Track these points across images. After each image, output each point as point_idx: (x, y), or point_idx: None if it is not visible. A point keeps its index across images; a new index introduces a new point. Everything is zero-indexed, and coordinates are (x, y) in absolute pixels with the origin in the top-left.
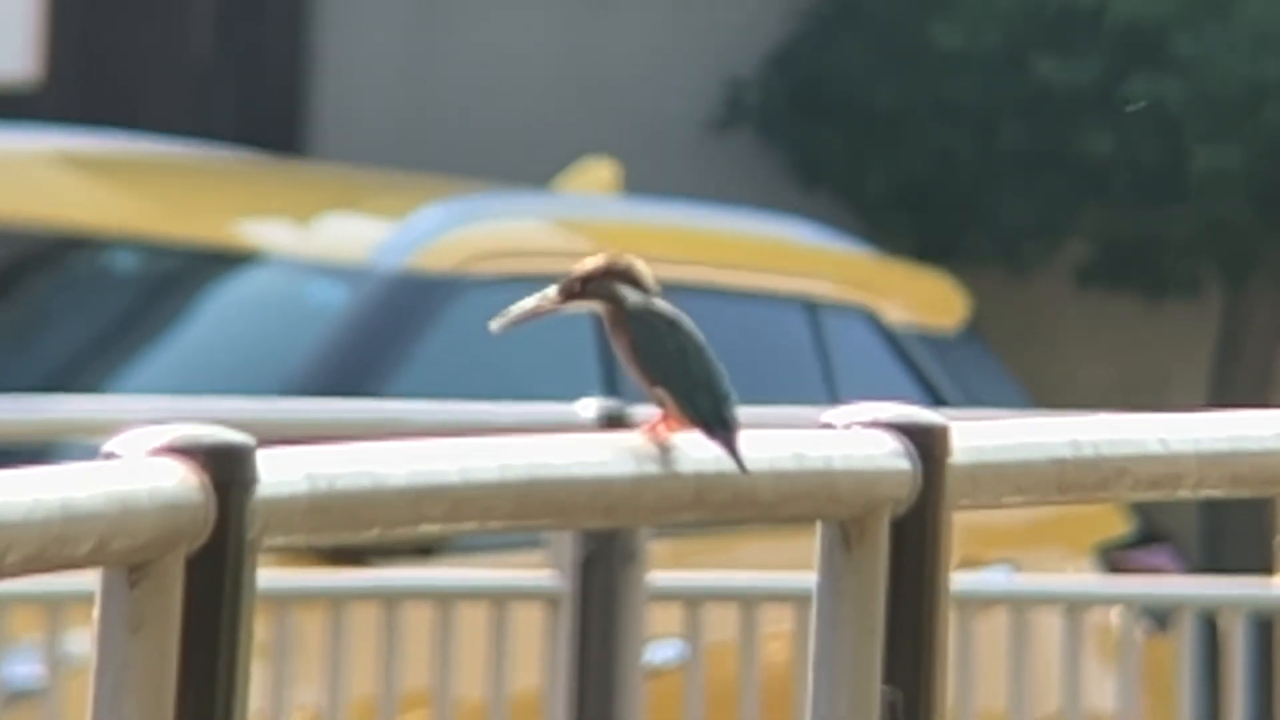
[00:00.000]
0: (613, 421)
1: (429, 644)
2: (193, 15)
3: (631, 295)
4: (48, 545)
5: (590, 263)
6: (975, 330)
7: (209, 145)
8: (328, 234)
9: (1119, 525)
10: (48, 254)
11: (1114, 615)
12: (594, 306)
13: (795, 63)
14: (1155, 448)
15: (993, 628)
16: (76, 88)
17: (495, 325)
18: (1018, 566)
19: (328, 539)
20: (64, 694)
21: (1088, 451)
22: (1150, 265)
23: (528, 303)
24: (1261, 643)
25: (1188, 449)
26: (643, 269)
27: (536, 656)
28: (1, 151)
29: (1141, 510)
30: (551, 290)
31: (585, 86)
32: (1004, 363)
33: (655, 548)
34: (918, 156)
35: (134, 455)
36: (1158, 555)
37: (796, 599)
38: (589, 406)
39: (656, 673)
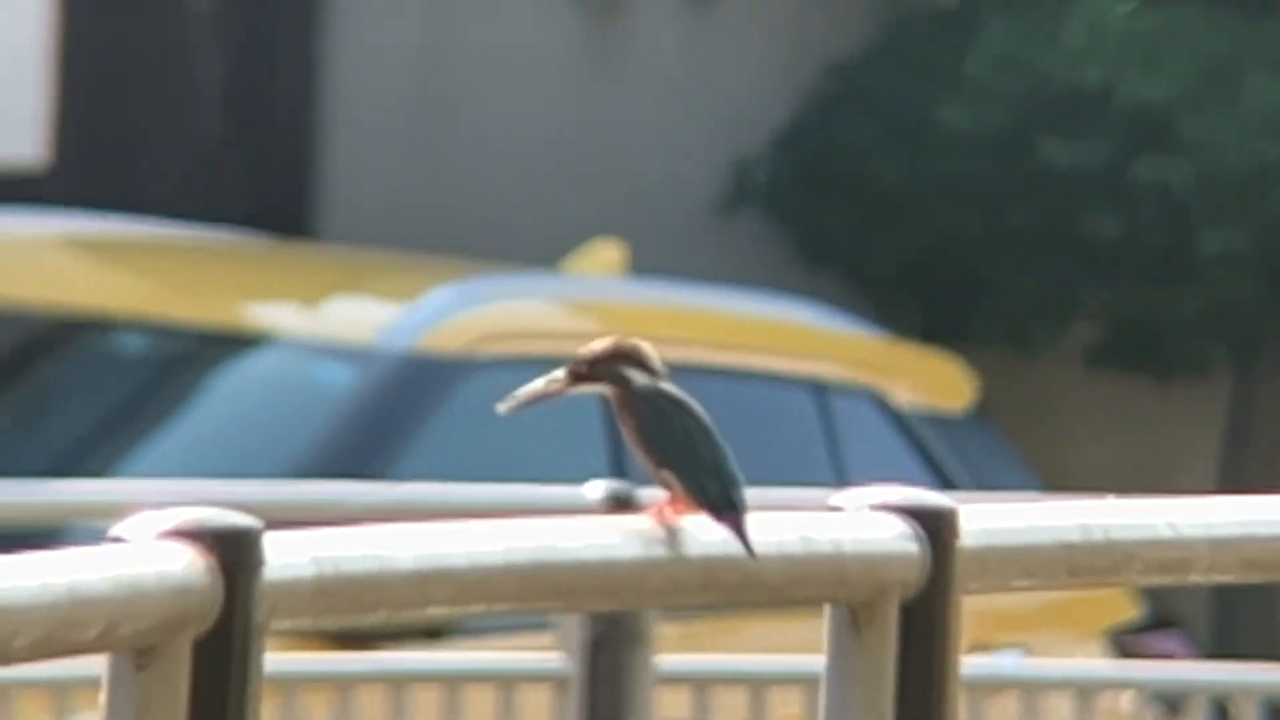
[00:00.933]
0: (620, 504)
1: None
2: (200, 98)
3: (639, 378)
4: (55, 630)
5: (597, 345)
6: (983, 411)
7: (217, 227)
8: (335, 315)
9: (1130, 610)
10: (56, 336)
11: (1125, 701)
12: (601, 389)
13: (802, 142)
14: (1165, 532)
15: (1003, 712)
16: (84, 171)
17: (503, 407)
18: (1028, 651)
19: (335, 622)
20: None
21: (1097, 536)
22: (1158, 346)
23: (535, 385)
24: None
25: (1198, 533)
26: (650, 352)
27: None
28: (9, 235)
29: (1152, 595)
30: (559, 372)
31: (592, 166)
32: (1012, 444)
33: (663, 630)
34: (924, 236)
35: (142, 539)
36: (1169, 640)
37: (805, 682)
38: (596, 488)
39: None
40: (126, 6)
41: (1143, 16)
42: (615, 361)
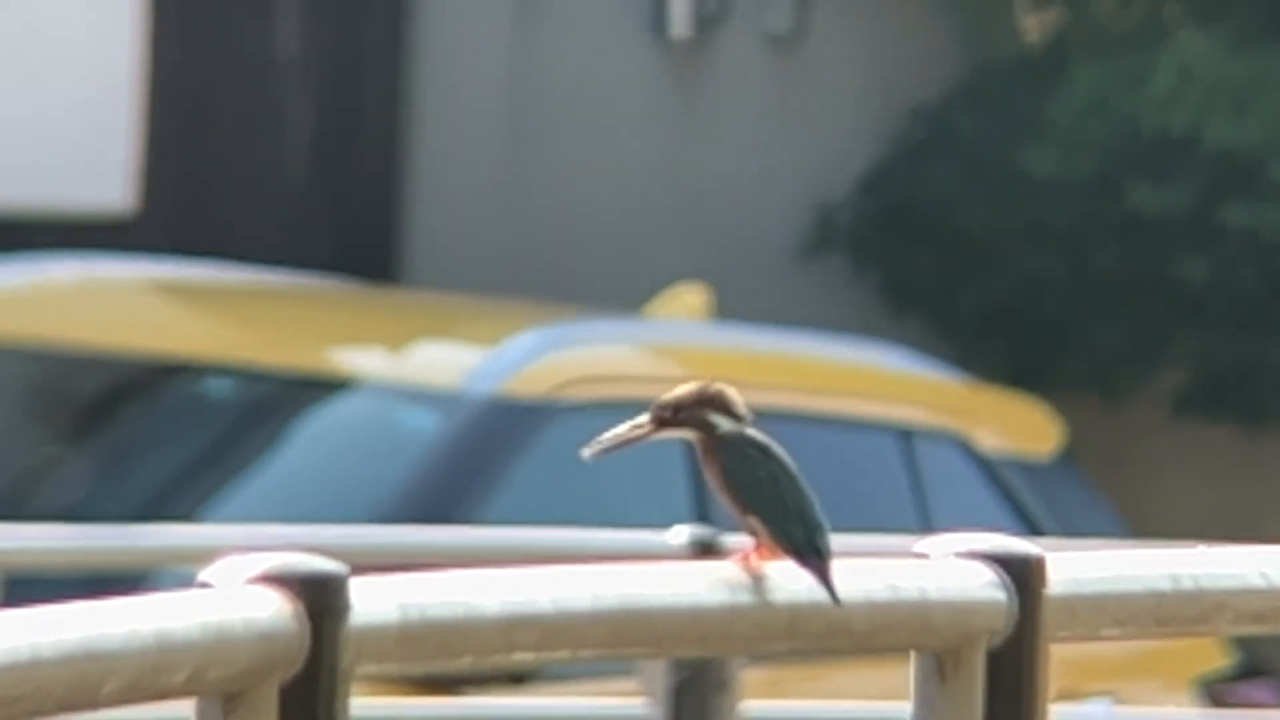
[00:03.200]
0: (704, 550)
1: None
2: (287, 141)
3: (723, 423)
4: (144, 675)
5: (682, 390)
6: (1070, 458)
7: (303, 271)
8: (420, 360)
9: (1220, 658)
10: (144, 382)
11: None
12: (686, 434)
13: (886, 186)
14: (1256, 581)
15: None
16: (171, 217)
17: (587, 452)
18: (1118, 699)
19: (420, 667)
20: None
21: (1187, 584)
22: (1247, 393)
23: (620, 430)
24: None
25: None
26: (734, 397)
27: None
28: (99, 281)
29: (1244, 643)
30: (644, 418)
31: (677, 209)
32: (1099, 490)
33: (749, 676)
34: (1010, 282)
35: (229, 584)
36: (1261, 689)
37: None
38: (680, 534)
39: None
40: (214, 52)
41: (1231, 61)
42: (700, 407)
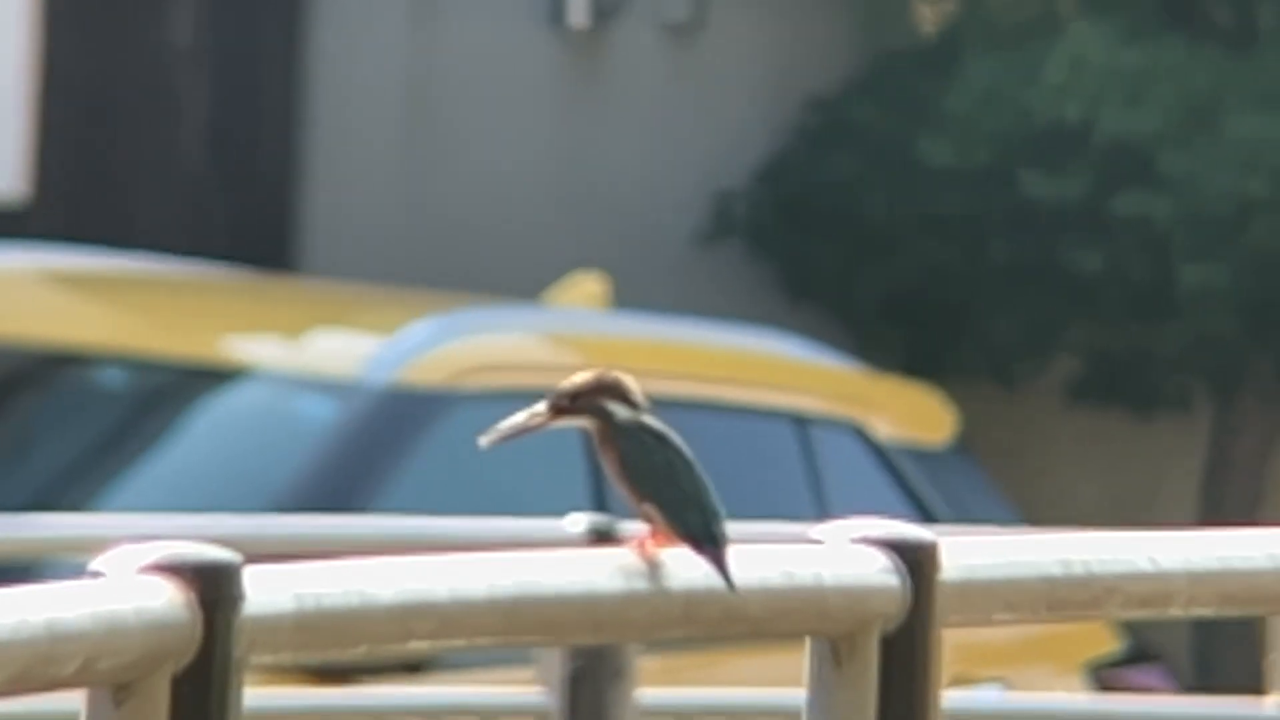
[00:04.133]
0: (602, 537)
1: None
2: (184, 130)
3: (620, 411)
4: (34, 665)
5: (579, 379)
6: (965, 445)
7: (200, 259)
8: (317, 349)
9: (1110, 643)
10: (36, 371)
11: None
12: (583, 422)
13: (784, 176)
14: (1146, 566)
15: None
16: (65, 206)
17: (484, 441)
18: (1009, 684)
19: (315, 656)
20: None
21: (1078, 569)
22: (1139, 381)
23: (517, 418)
24: None
25: (1178, 567)
26: (631, 385)
27: None
28: None
29: (1132, 628)
30: (541, 406)
31: (575, 198)
32: (993, 478)
33: (644, 664)
34: (906, 270)
35: (121, 573)
36: (1149, 674)
37: (787, 715)
38: (578, 522)
39: None
40: (108, 41)
41: (1124, 52)
42: (597, 395)
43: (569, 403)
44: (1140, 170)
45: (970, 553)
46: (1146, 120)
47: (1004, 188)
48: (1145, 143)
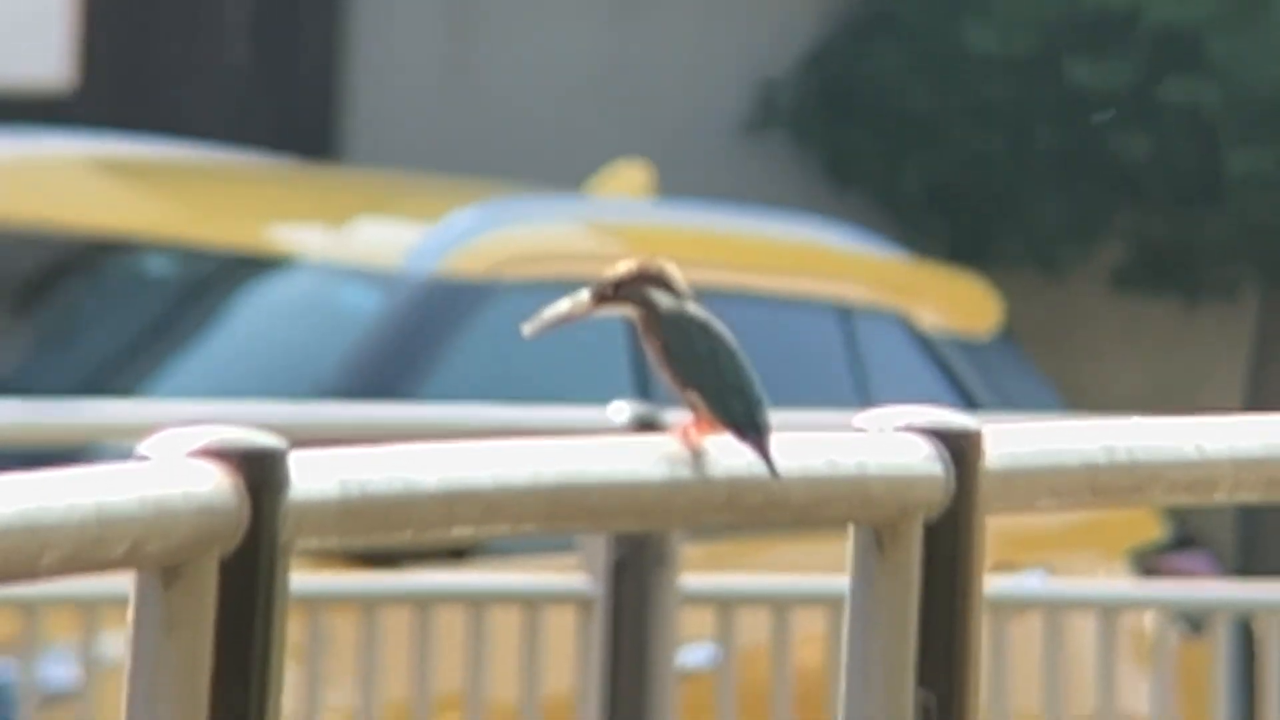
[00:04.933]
0: (645, 425)
1: (461, 647)
2: (228, 20)
3: (664, 300)
4: (83, 547)
5: (623, 267)
6: (1009, 334)
7: (243, 150)
8: (361, 238)
9: (1154, 529)
10: (83, 258)
11: (1149, 620)
12: (626, 311)
13: (829, 65)
14: (1190, 452)
15: (1027, 632)
16: (111, 92)
17: (528, 329)
18: (1052, 571)
19: (360, 542)
20: (99, 695)
21: (1122, 456)
22: (1186, 268)
23: (560, 306)
24: None
25: (1223, 454)
26: (675, 273)
27: (569, 660)
28: (36, 156)
29: (1177, 514)
30: (584, 294)
31: (618, 90)
32: (1038, 366)
33: (688, 551)
34: (952, 159)
35: (169, 458)
36: (1193, 559)
37: (829, 602)
38: (621, 410)
39: (689, 676)
40: None
41: None
42: (640, 283)
43: (612, 291)
44: (1188, 57)
45: (1014, 440)
46: (1194, 7)
47: (1050, 76)
48: (1193, 29)
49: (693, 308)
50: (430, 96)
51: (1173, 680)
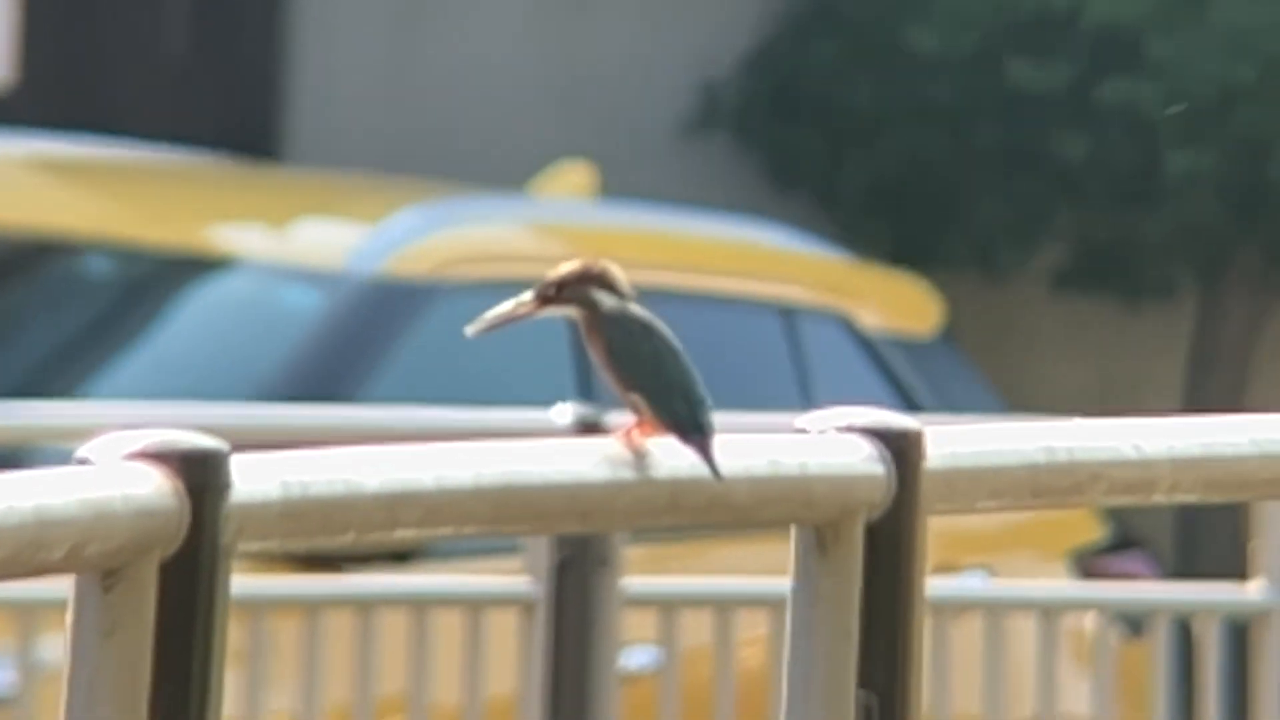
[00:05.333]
0: (588, 427)
1: (404, 650)
2: (168, 17)
3: (607, 300)
4: (21, 550)
5: (566, 268)
6: (950, 335)
7: (185, 148)
8: (302, 239)
9: (1094, 530)
10: (21, 258)
11: (1089, 620)
12: (569, 312)
13: (770, 65)
14: (1129, 453)
15: (968, 632)
16: (51, 91)
17: (471, 330)
18: (993, 572)
19: (302, 544)
20: (37, 700)
21: (1062, 456)
22: (1125, 268)
23: (503, 307)
24: (1236, 648)
25: (1162, 454)
26: (618, 274)
27: (512, 662)
28: None
29: (1116, 515)
30: (527, 295)
31: (561, 90)
32: (979, 367)
33: (630, 553)
34: (893, 159)
35: (108, 460)
36: (1132, 561)
37: (771, 604)
38: (564, 412)
39: (632, 678)
40: None
41: None
42: (583, 284)
43: (555, 292)
44: (1127, 57)
45: (955, 440)
46: (1133, 6)
47: (990, 75)
48: (1132, 29)
49: (636, 309)
50: (373, 96)
51: (1113, 681)
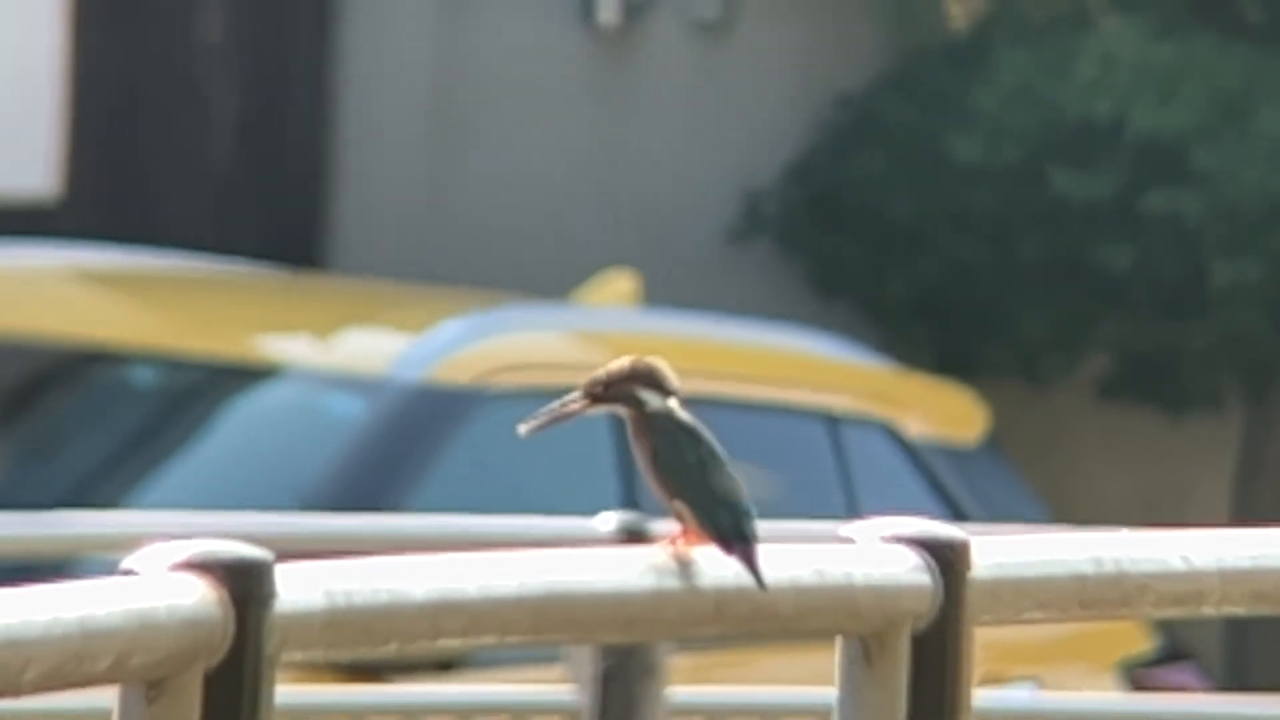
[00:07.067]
0: (632, 536)
1: None
2: (213, 129)
3: (653, 400)
4: (66, 662)
5: (614, 365)
6: (995, 443)
7: (229, 258)
8: (347, 347)
9: (1142, 642)
10: (69, 369)
11: None
12: (617, 410)
13: (814, 173)
14: (1178, 565)
15: None
16: (96, 203)
17: (524, 428)
18: (1041, 683)
19: (346, 654)
20: None
21: (1109, 568)
22: (1170, 378)
23: (553, 406)
24: None
25: (1210, 566)
26: (666, 371)
27: None
28: (22, 267)
29: (1165, 627)
30: (576, 394)
31: (605, 197)
32: (1024, 476)
33: (675, 662)
34: (936, 268)
35: (153, 571)
36: (1181, 673)
37: (818, 714)
38: (608, 521)
39: None
40: (139, 38)
41: (1155, 48)
42: (630, 382)
43: (603, 390)
44: (1171, 167)
45: (1001, 551)
46: (1177, 117)
47: (1034, 185)
48: (1176, 139)
49: (682, 413)
50: (416, 206)
51: None
